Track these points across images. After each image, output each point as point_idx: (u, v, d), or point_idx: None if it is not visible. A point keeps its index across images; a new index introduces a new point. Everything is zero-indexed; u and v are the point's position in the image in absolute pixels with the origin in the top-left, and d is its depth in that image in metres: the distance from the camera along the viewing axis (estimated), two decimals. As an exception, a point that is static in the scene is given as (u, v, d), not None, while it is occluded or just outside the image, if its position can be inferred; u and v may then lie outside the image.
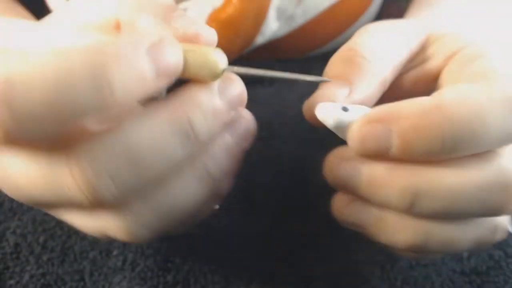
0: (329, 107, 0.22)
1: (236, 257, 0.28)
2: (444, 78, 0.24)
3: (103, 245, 0.29)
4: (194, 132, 0.20)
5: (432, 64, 0.25)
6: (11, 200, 0.30)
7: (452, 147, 0.19)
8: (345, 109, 0.22)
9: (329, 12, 0.38)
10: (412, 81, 0.26)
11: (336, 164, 0.22)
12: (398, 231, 0.21)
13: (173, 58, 0.19)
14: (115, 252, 0.28)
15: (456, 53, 0.24)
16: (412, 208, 0.20)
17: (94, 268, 0.28)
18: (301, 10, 0.37)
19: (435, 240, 0.21)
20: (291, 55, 0.41)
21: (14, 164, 0.20)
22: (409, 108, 0.20)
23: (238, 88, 0.21)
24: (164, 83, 0.19)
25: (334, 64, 0.24)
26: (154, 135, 0.19)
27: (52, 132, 0.18)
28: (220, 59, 0.20)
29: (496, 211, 0.21)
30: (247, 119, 0.23)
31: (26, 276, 0.27)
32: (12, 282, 0.27)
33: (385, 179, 0.20)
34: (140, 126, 0.19)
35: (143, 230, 0.21)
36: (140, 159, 0.19)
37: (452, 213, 0.20)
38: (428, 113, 0.19)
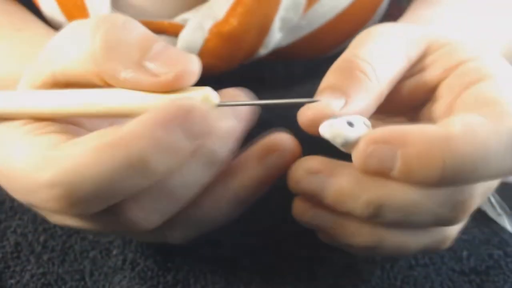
0: (335, 125, 0.22)
1: (236, 257, 0.28)
2: (442, 90, 0.24)
3: (103, 245, 0.29)
4: (217, 156, 0.22)
5: (431, 73, 0.25)
6: (12, 199, 0.30)
7: (450, 179, 0.20)
8: (350, 124, 0.21)
9: (336, 21, 0.37)
10: (410, 89, 0.25)
11: (302, 176, 0.23)
12: (356, 235, 0.23)
13: (205, 123, 0.20)
14: (115, 252, 0.28)
15: (457, 66, 0.24)
16: (373, 218, 0.21)
17: (94, 267, 0.28)
18: (306, 21, 0.36)
19: (389, 244, 0.23)
20: (295, 60, 0.40)
21: (72, 222, 0.23)
22: (417, 135, 0.20)
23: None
24: (196, 145, 0.20)
25: (332, 75, 0.23)
26: (185, 172, 0.21)
27: (102, 207, 0.20)
28: (212, 97, 0.22)
29: (447, 223, 0.22)
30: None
31: (27, 276, 0.27)
32: (12, 281, 0.27)
33: (352, 192, 0.21)
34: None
35: (187, 232, 0.24)
36: (178, 194, 0.22)
37: (409, 223, 0.22)
38: (435, 144, 0.19)
